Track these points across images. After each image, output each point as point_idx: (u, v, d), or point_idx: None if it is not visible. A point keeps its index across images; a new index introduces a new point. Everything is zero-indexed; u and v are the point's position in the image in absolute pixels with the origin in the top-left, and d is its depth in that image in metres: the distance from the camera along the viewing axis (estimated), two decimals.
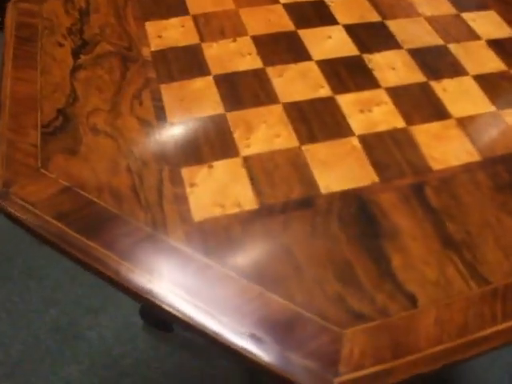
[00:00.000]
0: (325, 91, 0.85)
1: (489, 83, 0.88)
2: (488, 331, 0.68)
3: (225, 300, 0.68)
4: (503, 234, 0.74)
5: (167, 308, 0.68)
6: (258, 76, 0.88)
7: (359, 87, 0.86)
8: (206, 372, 1.43)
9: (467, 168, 0.79)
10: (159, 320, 1.54)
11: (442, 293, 0.69)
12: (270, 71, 0.88)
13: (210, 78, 0.88)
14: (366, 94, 0.85)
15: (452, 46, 0.93)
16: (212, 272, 0.70)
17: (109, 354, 1.47)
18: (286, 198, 0.75)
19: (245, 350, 0.65)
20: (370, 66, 0.90)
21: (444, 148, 0.80)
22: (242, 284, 0.69)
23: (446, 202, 0.76)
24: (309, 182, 0.77)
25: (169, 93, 0.86)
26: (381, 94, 0.85)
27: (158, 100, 0.87)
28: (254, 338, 0.65)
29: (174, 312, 0.67)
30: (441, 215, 0.74)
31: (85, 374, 1.45)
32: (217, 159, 0.79)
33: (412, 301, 0.68)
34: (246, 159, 0.78)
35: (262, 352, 0.64)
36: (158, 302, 0.68)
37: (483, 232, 0.74)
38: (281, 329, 0.66)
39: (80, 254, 0.72)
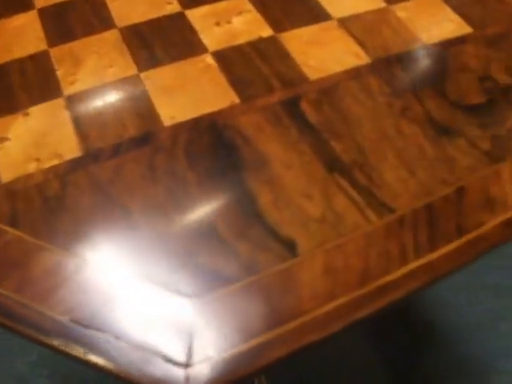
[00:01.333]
0: (172, 7, 0.62)
1: None
2: (397, 274, 0.45)
3: (33, 280, 0.44)
4: (406, 145, 0.51)
5: None
6: (92, 2, 0.64)
7: None
8: None
9: (355, 73, 0.56)
10: None
11: (330, 231, 0.46)
12: None
13: (34, 12, 0.64)
14: (223, 5, 0.62)
15: None
16: (20, 246, 0.46)
17: None
18: (118, 139, 0.52)
19: (56, 340, 0.41)
20: None
21: (323, 53, 0.57)
22: (58, 257, 0.45)
23: (329, 116, 0.53)
24: (148, 114, 0.53)
25: None
26: (242, 3, 0.62)
27: None
28: (75, 323, 0.42)
29: None
30: (323, 133, 0.51)
31: (35, 366, 1.22)
32: (34, 104, 0.56)
33: (290, 247, 0.45)
34: (71, 99, 0.55)
35: (80, 344, 0.41)
36: None
37: (380, 147, 0.51)
38: (103, 309, 0.42)
39: None
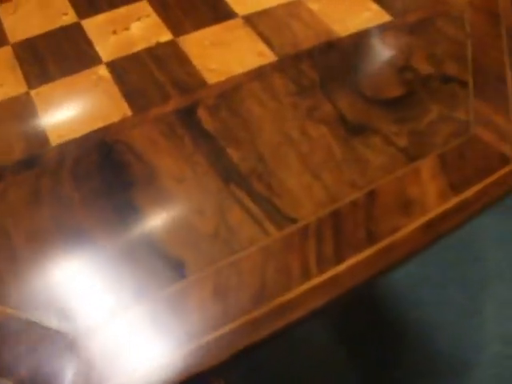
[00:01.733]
0: (68, 18, 0.61)
1: None
2: (298, 291, 0.42)
3: None
4: (311, 149, 0.48)
5: None
6: None
7: (114, 4, 0.62)
8: None
9: (258, 73, 0.53)
10: None
11: (223, 248, 0.44)
12: (1, 9, 0.62)
13: None
14: (121, 11, 0.60)
15: None
16: None
17: None
18: (4, 162, 0.50)
19: None
20: None
21: (226, 55, 0.55)
22: None
23: (228, 122, 0.50)
24: (37, 134, 0.52)
25: None
26: (142, 7, 0.60)
27: None
28: None
29: None
30: (219, 141, 0.49)
31: None
32: None
33: (178, 268, 0.43)
34: None
35: None
36: None
37: (282, 152, 0.48)
38: None
39: None
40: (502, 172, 0.51)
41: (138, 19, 0.59)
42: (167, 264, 0.44)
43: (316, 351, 1.05)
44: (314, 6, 0.59)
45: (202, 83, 0.54)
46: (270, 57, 0.55)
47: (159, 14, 0.60)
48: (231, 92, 0.53)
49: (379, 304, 1.13)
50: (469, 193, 0.49)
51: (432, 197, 0.48)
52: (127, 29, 0.58)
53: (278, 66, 0.55)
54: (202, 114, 0.52)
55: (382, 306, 1.12)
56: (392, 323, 1.10)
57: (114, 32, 0.58)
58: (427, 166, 0.50)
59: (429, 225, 0.47)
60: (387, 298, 1.14)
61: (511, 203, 1.26)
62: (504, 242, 1.20)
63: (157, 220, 0.46)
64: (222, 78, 0.53)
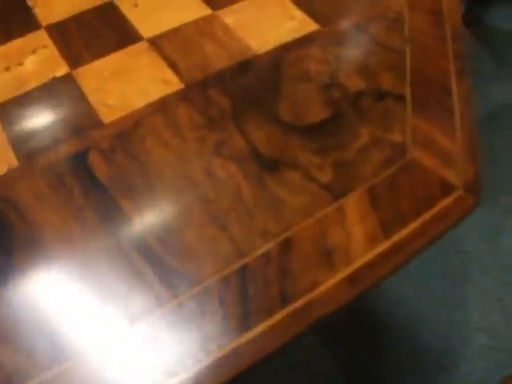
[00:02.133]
0: None
1: None
2: (194, 370, 0.36)
3: None
4: (217, 193, 0.42)
5: None
6: None
7: (9, 36, 0.56)
8: None
9: (161, 105, 0.47)
10: None
11: (108, 325, 0.37)
12: None
13: None
14: (17, 43, 0.54)
15: None
16: None
17: None
18: None
19: None
20: (30, 3, 0.58)
21: (126, 86, 0.49)
22: None
23: (123, 168, 0.45)
24: None
25: None
26: (40, 37, 0.54)
27: None
28: None
29: None
30: (111, 191, 0.43)
31: None
32: None
33: (57, 350, 0.37)
34: None
35: None
36: None
37: (184, 200, 0.42)
38: None
39: None
40: (445, 203, 0.44)
41: (34, 52, 0.53)
42: (47, 343, 0.38)
43: (299, 353, 1.01)
44: (229, 20, 0.52)
45: (97, 123, 0.48)
46: (175, 84, 0.48)
47: (57, 44, 0.54)
48: (129, 131, 0.47)
49: (361, 302, 1.08)
50: (403, 232, 0.42)
51: (358, 242, 0.41)
52: (21, 64, 0.52)
53: (184, 95, 0.49)
54: (94, 159, 0.46)
55: (365, 303, 1.08)
56: (375, 320, 1.07)
57: (7, 69, 0.52)
58: (354, 204, 0.43)
59: (353, 277, 0.40)
60: (369, 295, 1.10)
61: (492, 194, 1.20)
62: (486, 233, 1.16)
63: (36, 294, 0.40)
64: (121, 114, 0.47)
